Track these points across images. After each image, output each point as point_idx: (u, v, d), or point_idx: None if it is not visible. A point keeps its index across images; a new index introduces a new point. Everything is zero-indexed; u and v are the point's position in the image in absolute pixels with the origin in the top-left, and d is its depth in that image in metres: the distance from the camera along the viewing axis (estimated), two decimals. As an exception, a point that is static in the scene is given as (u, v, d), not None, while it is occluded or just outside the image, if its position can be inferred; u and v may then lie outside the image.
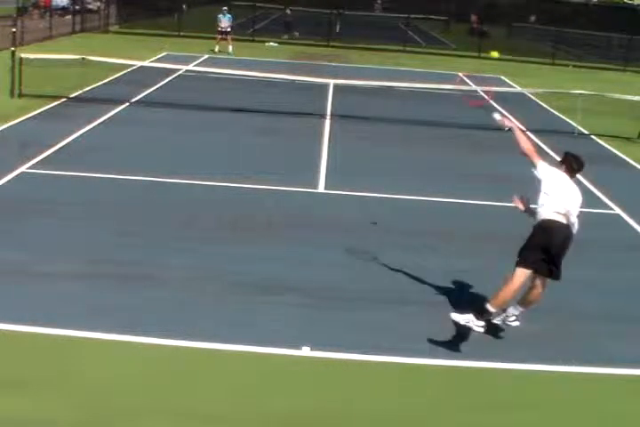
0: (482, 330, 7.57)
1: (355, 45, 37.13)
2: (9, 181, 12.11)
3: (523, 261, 7.61)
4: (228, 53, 30.86)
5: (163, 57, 28.11)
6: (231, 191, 12.32)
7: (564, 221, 7.74)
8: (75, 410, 6.24)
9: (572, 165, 7.98)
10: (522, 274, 7.59)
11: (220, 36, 31.67)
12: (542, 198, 7.81)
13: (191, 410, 6.35)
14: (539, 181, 7.89)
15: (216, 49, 31.41)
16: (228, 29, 31.78)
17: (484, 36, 39.11)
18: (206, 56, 29.32)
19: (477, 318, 7.54)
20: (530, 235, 7.73)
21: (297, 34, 39.37)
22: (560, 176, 7.92)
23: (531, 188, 13.93)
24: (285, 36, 38.97)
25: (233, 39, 31.74)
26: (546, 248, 7.59)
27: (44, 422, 6.08)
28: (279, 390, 6.78)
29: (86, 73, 21.35)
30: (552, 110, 22.32)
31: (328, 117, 18.92)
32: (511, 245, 10.84)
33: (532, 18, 47.49)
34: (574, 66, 35.56)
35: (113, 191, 12.01)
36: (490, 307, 7.54)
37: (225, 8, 32.33)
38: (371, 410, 6.58)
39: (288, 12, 40.08)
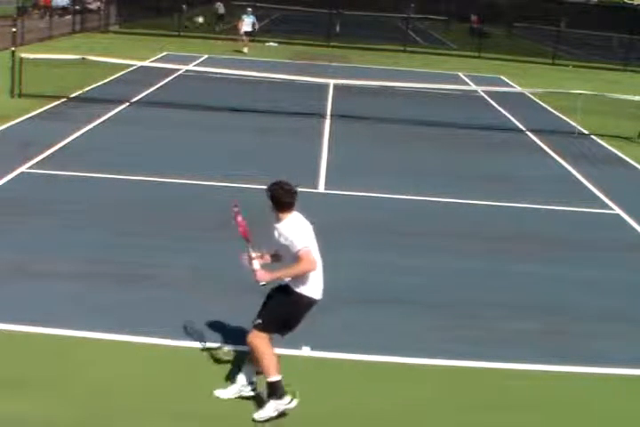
0: (293, 404, 6.24)
1: (355, 45, 37.12)
2: (9, 181, 12.11)
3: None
4: (244, 53, 31.18)
5: (163, 57, 28.11)
6: (231, 191, 12.31)
7: None
8: (75, 410, 6.24)
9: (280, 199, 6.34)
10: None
11: (245, 38, 32.26)
12: None
13: (191, 410, 6.35)
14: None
15: (245, 50, 31.64)
16: (252, 29, 32.46)
17: (483, 36, 39.10)
18: (206, 56, 29.30)
19: (278, 399, 6.25)
20: None
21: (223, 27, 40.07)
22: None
23: (530, 187, 13.99)
24: (217, 29, 39.84)
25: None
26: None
27: (43, 421, 6.08)
28: (279, 390, 6.76)
29: (86, 73, 21.35)
30: (552, 110, 22.32)
31: (328, 117, 18.91)
32: (509, 245, 10.90)
33: (563, 23, 46.71)
34: (574, 66, 35.56)
35: (113, 191, 12.01)
36: (270, 378, 6.29)
37: (249, 9, 32.87)
38: (370, 410, 6.58)
39: (219, 4, 40.92)
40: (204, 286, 8.76)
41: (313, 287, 6.37)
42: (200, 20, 41.08)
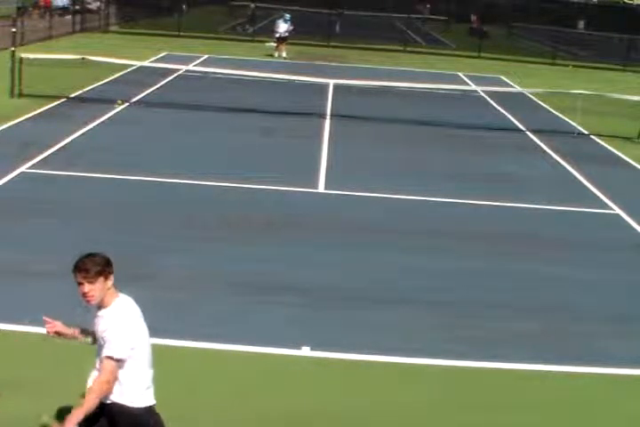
0: None
1: (355, 45, 37.11)
2: (9, 181, 12.10)
3: None
4: (277, 57, 30.87)
5: (163, 57, 28.11)
6: (231, 191, 12.31)
7: None
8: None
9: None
10: None
11: (278, 42, 31.79)
12: None
13: (191, 410, 6.35)
14: None
15: (284, 54, 31.25)
16: (286, 35, 31.73)
17: (484, 36, 39.10)
18: (206, 56, 29.29)
19: None
20: None
21: (250, 29, 40.84)
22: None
23: (530, 187, 13.98)
24: (240, 29, 41.11)
25: (287, 44, 31.83)
26: None
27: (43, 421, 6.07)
28: (279, 390, 6.77)
29: (86, 73, 21.35)
30: (552, 110, 22.31)
31: (328, 117, 18.91)
32: (509, 245, 10.90)
33: (581, 23, 46.52)
34: (574, 66, 35.55)
35: (113, 191, 12.01)
36: None
37: (287, 14, 32.37)
38: (370, 410, 6.58)
39: (252, 6, 42.34)
40: (204, 287, 8.75)
41: (144, 390, 4.84)
42: None
